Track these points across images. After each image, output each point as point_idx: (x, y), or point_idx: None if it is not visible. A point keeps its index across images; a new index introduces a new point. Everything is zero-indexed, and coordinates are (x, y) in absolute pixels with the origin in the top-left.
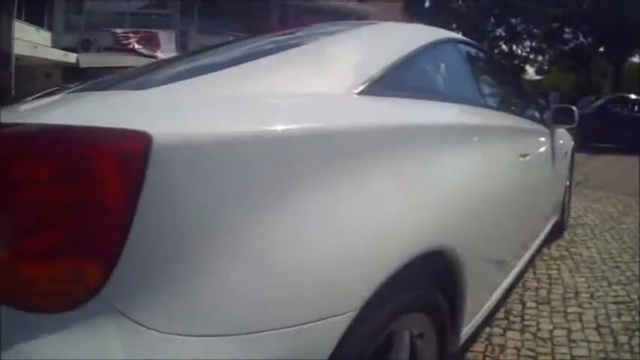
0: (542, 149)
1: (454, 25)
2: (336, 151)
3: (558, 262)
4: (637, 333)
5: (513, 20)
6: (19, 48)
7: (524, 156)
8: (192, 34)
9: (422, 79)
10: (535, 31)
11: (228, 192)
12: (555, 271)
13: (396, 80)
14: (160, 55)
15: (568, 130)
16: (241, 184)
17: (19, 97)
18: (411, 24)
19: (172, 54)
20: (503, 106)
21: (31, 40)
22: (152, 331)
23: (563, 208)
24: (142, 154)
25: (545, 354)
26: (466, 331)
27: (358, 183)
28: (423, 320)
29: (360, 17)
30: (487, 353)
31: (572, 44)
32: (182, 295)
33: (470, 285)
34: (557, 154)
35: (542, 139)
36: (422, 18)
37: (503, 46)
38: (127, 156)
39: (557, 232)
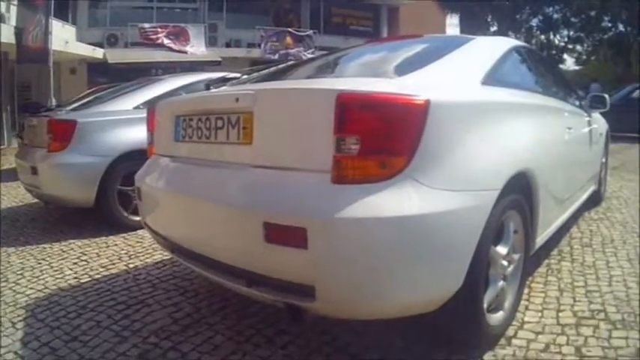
0: (581, 127)
1: (489, 16)
2: (492, 113)
3: (597, 221)
4: None
5: (550, 9)
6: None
7: (569, 129)
8: (221, 29)
9: (506, 74)
10: (573, 19)
11: (459, 125)
12: (595, 227)
13: (493, 75)
14: (190, 49)
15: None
16: (463, 122)
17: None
18: (494, 37)
19: (202, 48)
20: (554, 93)
21: (60, 36)
22: (432, 189)
23: (600, 181)
24: (426, 108)
25: (590, 274)
26: (538, 241)
27: (497, 128)
28: (517, 219)
29: (391, 7)
30: (549, 273)
31: (611, 33)
32: (446, 170)
33: (541, 201)
34: (594, 133)
35: (581, 119)
36: (456, 8)
37: (541, 37)
38: (420, 108)
39: (595, 201)
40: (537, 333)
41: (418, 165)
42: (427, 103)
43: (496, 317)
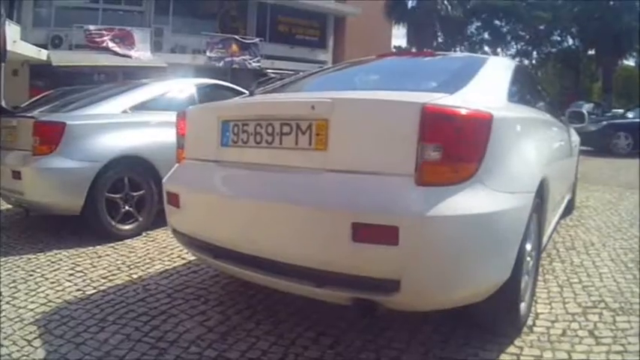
0: (566, 139)
1: (437, 27)
2: (522, 126)
3: (574, 228)
4: (637, 263)
5: (498, 22)
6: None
7: (560, 141)
8: (167, 33)
9: (516, 92)
10: (521, 33)
11: (508, 136)
12: (573, 233)
13: (510, 94)
14: (134, 54)
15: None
16: (510, 134)
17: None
18: (498, 57)
19: (147, 54)
20: (545, 108)
21: (7, 35)
22: (495, 191)
23: (574, 190)
24: (490, 120)
25: (581, 272)
26: (544, 241)
27: (527, 139)
28: (535, 219)
29: (338, 17)
30: (544, 272)
31: (560, 47)
32: (503, 175)
33: (549, 205)
34: (572, 145)
35: (564, 133)
36: (404, 20)
37: (487, 49)
38: (488, 121)
39: (569, 210)
40: (552, 321)
41: (485, 170)
42: (491, 117)
43: (521, 307)
